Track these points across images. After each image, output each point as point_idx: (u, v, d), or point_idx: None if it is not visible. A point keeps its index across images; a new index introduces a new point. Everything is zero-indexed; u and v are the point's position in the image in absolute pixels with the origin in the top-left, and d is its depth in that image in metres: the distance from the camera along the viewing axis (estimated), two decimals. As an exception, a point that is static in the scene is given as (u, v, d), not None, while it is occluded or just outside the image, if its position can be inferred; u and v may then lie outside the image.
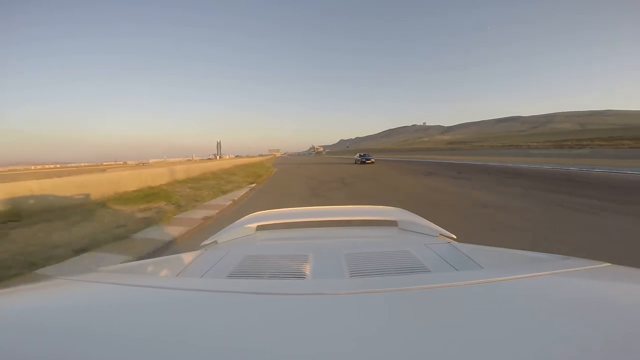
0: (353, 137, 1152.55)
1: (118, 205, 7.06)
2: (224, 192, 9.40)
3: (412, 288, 0.50)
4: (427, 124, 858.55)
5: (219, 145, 64.76)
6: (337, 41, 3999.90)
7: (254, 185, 11.75)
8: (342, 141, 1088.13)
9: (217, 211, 6.65)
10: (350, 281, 0.70)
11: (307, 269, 0.84)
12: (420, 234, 1.27)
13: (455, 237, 1.18)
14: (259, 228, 1.47)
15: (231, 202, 7.83)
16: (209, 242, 1.22)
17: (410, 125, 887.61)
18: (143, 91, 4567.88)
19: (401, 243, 1.16)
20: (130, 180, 9.60)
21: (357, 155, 28.58)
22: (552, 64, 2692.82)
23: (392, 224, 1.45)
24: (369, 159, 26.12)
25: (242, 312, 0.44)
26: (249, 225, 1.37)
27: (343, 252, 0.98)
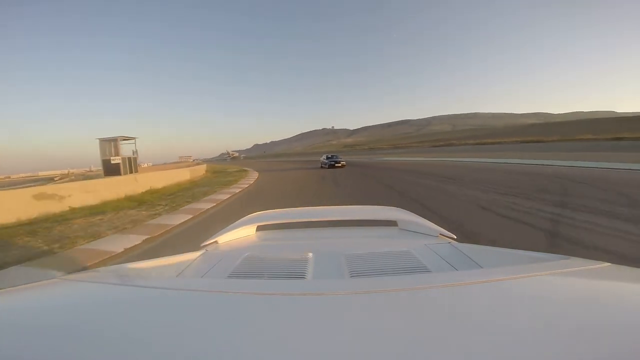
0: (268, 142, 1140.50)
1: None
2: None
3: (413, 288, 0.50)
4: (335, 128, 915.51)
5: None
6: (252, 45, 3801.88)
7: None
8: (256, 146, 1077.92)
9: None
10: (351, 281, 0.70)
11: (307, 269, 0.84)
12: (420, 234, 1.27)
13: (455, 237, 1.18)
14: (259, 228, 1.48)
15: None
16: (209, 242, 1.22)
17: (321, 129, 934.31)
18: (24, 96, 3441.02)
19: (401, 243, 1.15)
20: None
21: (324, 157, 24.54)
22: (435, 69, 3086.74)
23: (392, 224, 1.45)
24: (339, 162, 22.12)
25: (243, 313, 0.44)
26: (249, 226, 1.37)
27: (343, 252, 0.99)
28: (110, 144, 21.88)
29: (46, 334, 0.39)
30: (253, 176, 17.59)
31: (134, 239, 4.98)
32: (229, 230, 1.31)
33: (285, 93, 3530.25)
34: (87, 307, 0.50)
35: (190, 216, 6.71)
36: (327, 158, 23.50)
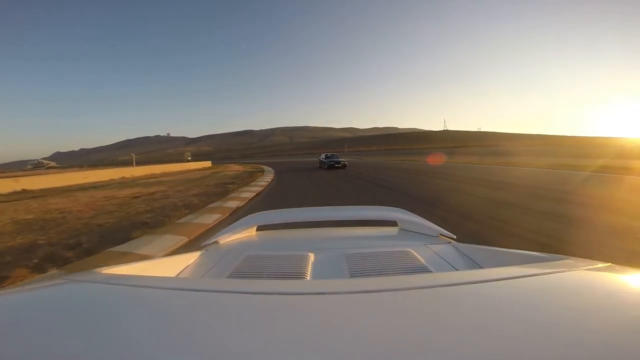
0: (77, 149, 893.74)
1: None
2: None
3: (413, 288, 0.50)
4: (171, 135, 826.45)
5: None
6: (57, 34, 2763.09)
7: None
8: (57, 153, 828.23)
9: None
10: (351, 281, 0.70)
11: (308, 269, 0.84)
12: (420, 234, 1.28)
13: (455, 237, 1.18)
14: (260, 228, 1.49)
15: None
16: (210, 242, 1.22)
17: (153, 135, 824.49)
18: None
19: (401, 243, 1.15)
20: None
21: (323, 156, 22.20)
22: (274, 82, 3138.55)
23: (392, 224, 1.45)
24: (340, 162, 19.93)
25: (243, 312, 0.44)
26: (249, 226, 1.38)
27: (343, 252, 0.99)
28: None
29: (46, 334, 0.39)
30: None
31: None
32: (229, 231, 1.31)
33: (103, 94, 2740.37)
34: (87, 308, 0.50)
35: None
36: (327, 157, 21.26)
